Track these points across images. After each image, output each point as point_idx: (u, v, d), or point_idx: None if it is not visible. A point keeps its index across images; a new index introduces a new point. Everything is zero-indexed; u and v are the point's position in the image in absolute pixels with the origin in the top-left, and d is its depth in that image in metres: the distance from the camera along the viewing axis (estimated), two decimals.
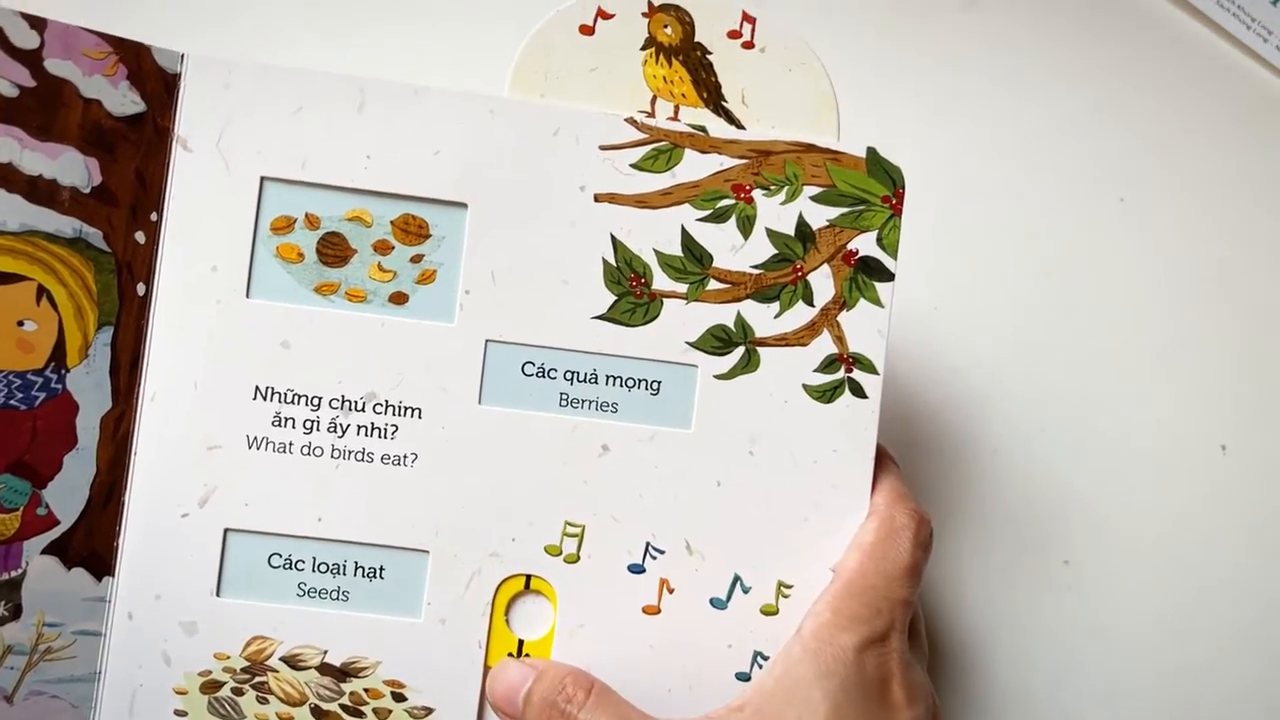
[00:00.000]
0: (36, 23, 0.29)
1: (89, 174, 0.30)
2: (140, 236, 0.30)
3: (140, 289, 0.31)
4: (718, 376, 0.32)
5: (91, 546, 0.30)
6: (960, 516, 0.41)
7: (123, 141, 0.30)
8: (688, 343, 0.32)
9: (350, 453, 0.31)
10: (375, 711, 0.31)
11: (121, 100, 0.30)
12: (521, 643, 0.31)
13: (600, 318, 0.32)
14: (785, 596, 0.32)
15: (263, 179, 0.31)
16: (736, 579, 0.32)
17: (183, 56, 0.31)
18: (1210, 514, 0.42)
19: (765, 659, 0.31)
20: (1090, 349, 0.42)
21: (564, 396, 0.32)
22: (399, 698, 0.31)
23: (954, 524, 0.41)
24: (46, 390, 0.30)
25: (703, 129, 0.32)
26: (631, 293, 0.32)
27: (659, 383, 0.32)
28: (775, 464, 0.32)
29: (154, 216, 0.31)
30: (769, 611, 0.32)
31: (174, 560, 0.31)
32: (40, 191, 0.29)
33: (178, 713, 0.30)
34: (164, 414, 0.31)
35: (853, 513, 0.32)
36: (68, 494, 0.30)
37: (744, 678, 0.31)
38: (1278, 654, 0.41)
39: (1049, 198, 0.44)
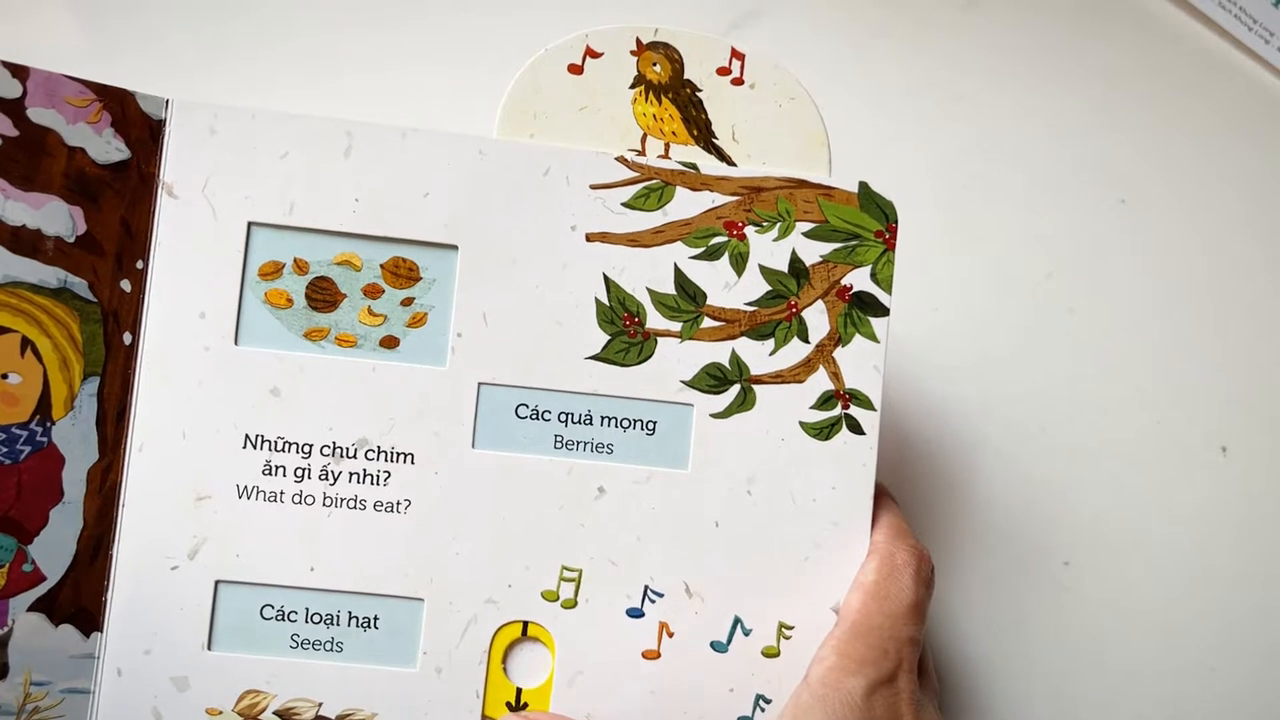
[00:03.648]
0: (18, 71, 0.29)
1: (73, 223, 0.29)
2: (126, 285, 0.30)
3: (127, 338, 0.30)
4: (714, 415, 0.32)
5: (79, 602, 0.29)
6: (961, 517, 0.41)
7: (107, 189, 0.30)
8: (683, 381, 0.32)
9: (342, 500, 0.31)
10: None
11: (106, 148, 0.30)
12: (520, 691, 0.31)
13: (594, 358, 0.31)
14: (786, 638, 0.31)
15: (250, 224, 0.31)
16: (737, 621, 0.31)
17: (168, 102, 0.31)
18: (1211, 516, 0.42)
19: (768, 702, 0.31)
20: (1091, 350, 0.42)
21: (559, 439, 0.31)
22: None
23: (954, 525, 0.40)
24: (32, 443, 0.29)
25: (694, 166, 0.32)
26: (625, 332, 0.31)
27: (654, 423, 0.32)
28: (774, 503, 0.31)
29: (140, 264, 0.30)
30: (770, 653, 0.31)
31: (164, 614, 0.30)
32: (23, 242, 0.29)
33: None
34: (152, 465, 0.30)
35: (853, 550, 0.31)
36: (54, 549, 0.29)
37: None
38: (1278, 657, 0.41)
39: (1049, 199, 0.43)
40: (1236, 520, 0.42)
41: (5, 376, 0.29)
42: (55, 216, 0.29)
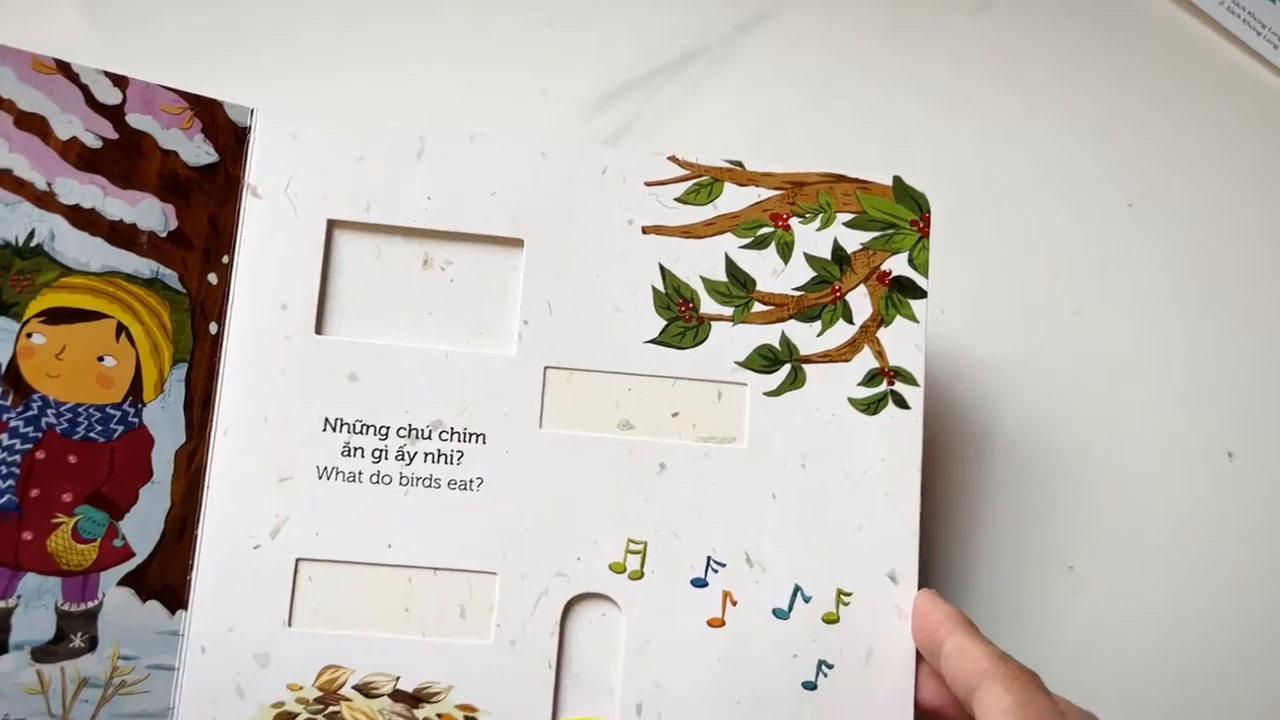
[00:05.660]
0: (119, 81, 0.31)
1: (166, 219, 0.31)
2: (213, 278, 0.32)
3: (213, 328, 0.32)
4: (767, 394, 0.33)
5: (165, 580, 0.30)
6: (965, 520, 0.41)
7: (197, 189, 0.32)
8: (736, 362, 0.33)
9: (418, 479, 0.32)
10: None
11: (196, 151, 0.32)
12: None
13: (652, 341, 0.33)
14: (845, 604, 0.32)
15: (329, 221, 0.33)
16: (797, 589, 0.32)
17: (252, 111, 0.33)
18: (1216, 520, 0.42)
19: (830, 667, 0.32)
20: (1097, 354, 0.43)
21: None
22: None
23: (959, 528, 0.41)
24: (124, 424, 0.30)
25: (740, 164, 0.34)
26: (681, 317, 0.33)
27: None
28: (827, 476, 0.33)
29: (226, 259, 0.32)
30: (830, 620, 0.32)
31: (246, 592, 0.31)
32: (121, 235, 0.31)
33: None
34: (236, 448, 0.31)
35: (904, 520, 0.33)
36: (143, 526, 0.30)
37: (810, 686, 0.32)
38: None
39: (1057, 202, 0.44)
40: (1242, 525, 0.42)
41: (101, 359, 0.30)
42: (150, 213, 0.31)
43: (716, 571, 0.32)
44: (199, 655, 0.31)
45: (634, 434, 0.33)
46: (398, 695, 0.31)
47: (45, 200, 0.30)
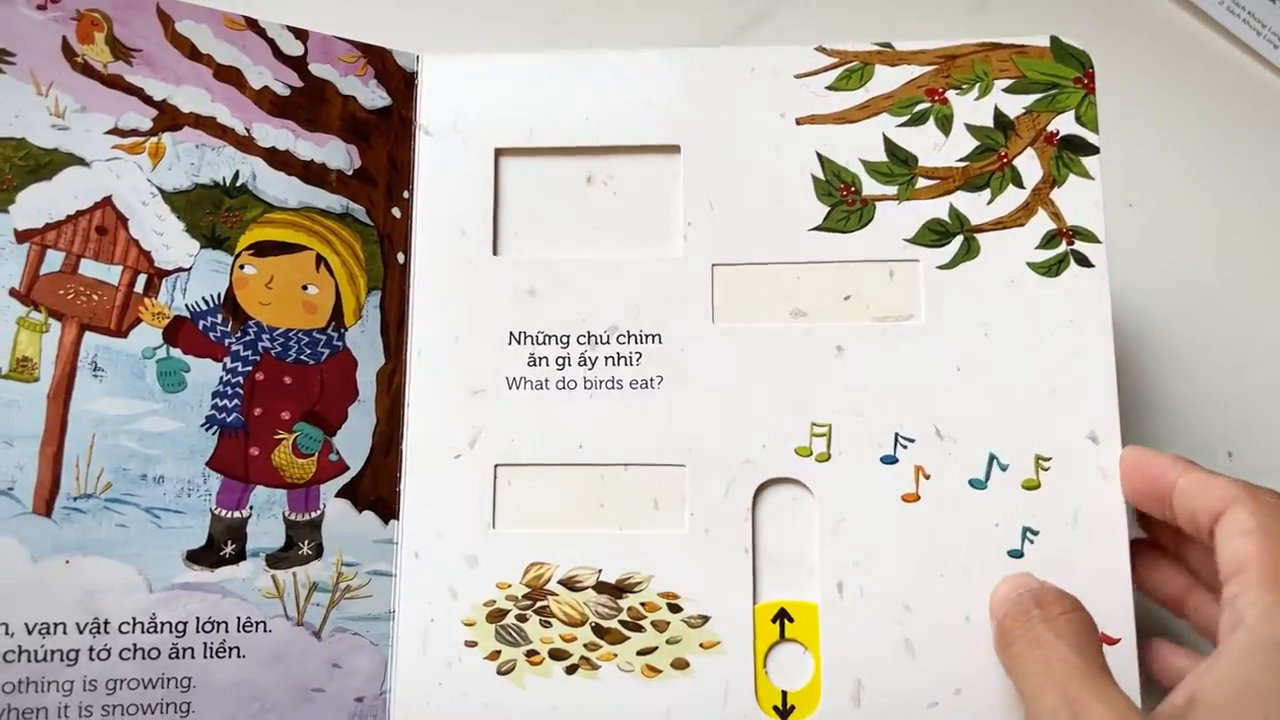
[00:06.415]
0: (300, 34, 0.34)
1: (350, 159, 0.34)
2: (396, 211, 0.34)
3: (400, 257, 0.34)
4: (940, 267, 0.33)
5: (377, 491, 0.32)
6: None
7: (375, 131, 0.34)
8: (905, 240, 0.33)
9: (601, 382, 0.33)
10: (654, 624, 0.31)
11: (372, 96, 0.34)
12: (785, 694, 0.31)
13: (817, 229, 0.33)
14: (1045, 469, 0.31)
15: (496, 151, 0.34)
16: (993, 458, 0.32)
17: (418, 57, 0.35)
18: None
19: (1035, 534, 0.31)
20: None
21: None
22: (675, 608, 0.32)
23: None
24: (330, 347, 0.33)
25: (889, 45, 0.34)
26: (844, 201, 0.33)
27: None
28: (1012, 342, 0.32)
29: (406, 194, 0.34)
30: (1031, 486, 0.31)
31: (451, 499, 0.32)
32: (313, 174, 0.33)
33: (468, 643, 0.32)
34: (430, 366, 0.33)
35: (1101, 380, 0.32)
36: (354, 442, 0.32)
37: (1016, 554, 0.31)
38: None
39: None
40: None
41: (305, 288, 0.33)
42: (336, 153, 0.34)
43: (905, 447, 0.32)
44: (413, 561, 0.32)
45: (807, 321, 0.33)
46: (601, 587, 0.32)
47: (246, 144, 0.33)
